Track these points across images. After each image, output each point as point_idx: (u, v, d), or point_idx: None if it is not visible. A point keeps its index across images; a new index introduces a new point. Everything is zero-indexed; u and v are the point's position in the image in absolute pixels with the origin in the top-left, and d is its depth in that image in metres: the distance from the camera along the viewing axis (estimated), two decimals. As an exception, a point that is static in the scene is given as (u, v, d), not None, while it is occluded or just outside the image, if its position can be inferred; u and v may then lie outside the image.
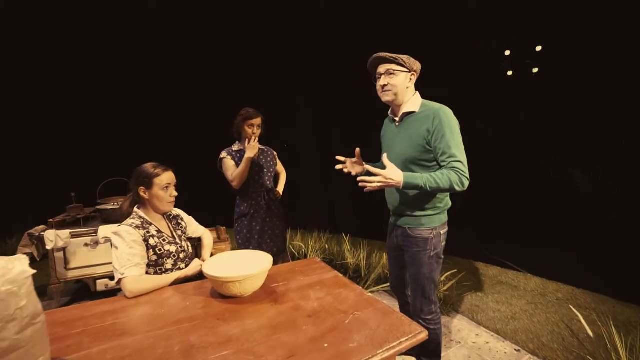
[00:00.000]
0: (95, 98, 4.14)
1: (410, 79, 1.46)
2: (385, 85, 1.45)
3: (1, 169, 3.67)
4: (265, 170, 2.11)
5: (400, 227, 1.56)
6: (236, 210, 2.11)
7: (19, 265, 0.72)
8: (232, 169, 1.98)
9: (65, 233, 2.30)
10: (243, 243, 2.08)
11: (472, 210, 3.63)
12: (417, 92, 1.52)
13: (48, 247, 2.27)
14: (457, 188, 1.31)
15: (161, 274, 1.37)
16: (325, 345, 0.88)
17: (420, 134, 1.40)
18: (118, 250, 1.26)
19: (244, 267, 1.26)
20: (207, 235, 1.75)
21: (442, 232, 1.50)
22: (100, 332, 0.98)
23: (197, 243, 1.82)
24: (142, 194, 1.40)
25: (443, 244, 1.52)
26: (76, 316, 1.08)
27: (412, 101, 1.47)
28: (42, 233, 2.27)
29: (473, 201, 3.22)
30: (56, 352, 0.87)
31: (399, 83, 1.43)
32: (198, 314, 1.07)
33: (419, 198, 1.48)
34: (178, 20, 4.07)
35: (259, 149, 2.13)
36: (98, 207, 2.55)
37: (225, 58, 4.50)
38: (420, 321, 1.55)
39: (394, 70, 1.42)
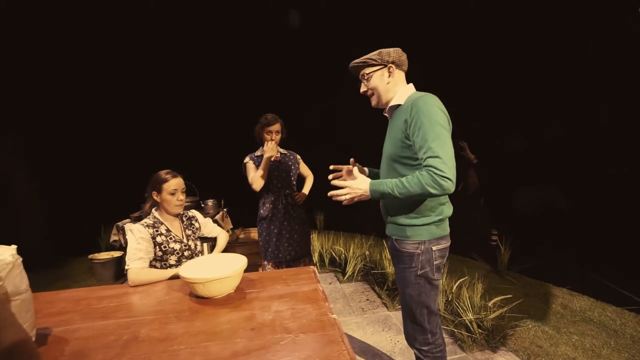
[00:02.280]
0: (154, 107, 4.75)
1: (390, 73, 1.30)
2: (365, 92, 1.35)
3: (98, 173, 4.58)
4: (284, 174, 2.15)
5: (390, 237, 1.39)
6: (258, 213, 2.22)
7: (8, 252, 0.93)
8: (252, 172, 2.09)
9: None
10: (262, 245, 2.18)
11: (575, 222, 3.00)
12: (410, 85, 1.34)
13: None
14: (433, 191, 1.09)
15: (166, 268, 1.55)
16: (241, 363, 0.86)
17: (399, 127, 1.24)
18: (128, 244, 1.48)
19: (220, 269, 1.32)
20: (222, 237, 1.89)
21: (434, 248, 1.27)
22: (90, 313, 1.17)
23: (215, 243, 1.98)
24: (154, 197, 1.61)
25: (436, 262, 1.28)
26: (83, 297, 1.31)
27: (400, 94, 1.31)
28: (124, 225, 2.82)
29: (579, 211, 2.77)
30: (46, 324, 1.08)
31: (376, 83, 1.31)
32: (166, 308, 1.18)
33: (400, 204, 1.29)
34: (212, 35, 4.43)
35: (280, 153, 2.19)
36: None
37: (262, 65, 4.63)
38: (416, 351, 1.36)
39: (367, 74, 1.31)
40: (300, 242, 2.18)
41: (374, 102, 1.37)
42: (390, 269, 2.92)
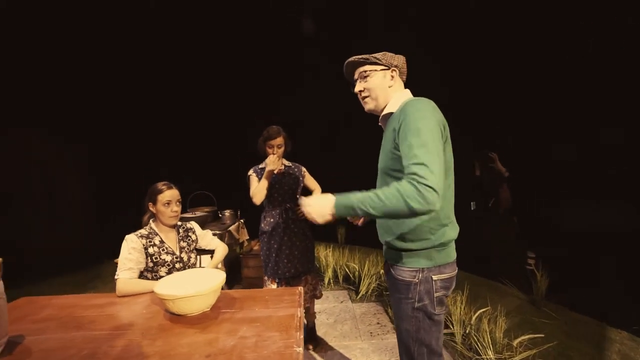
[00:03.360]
0: (179, 120, 4.96)
1: (392, 77, 1.19)
2: (361, 92, 1.22)
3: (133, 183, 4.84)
4: (286, 187, 2.10)
5: (386, 261, 1.25)
6: (259, 226, 2.18)
7: None
8: (254, 185, 2.06)
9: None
10: (263, 260, 2.13)
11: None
12: (406, 91, 1.23)
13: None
14: (415, 205, 0.90)
15: (156, 279, 1.56)
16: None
17: (389, 136, 1.12)
18: (120, 254, 1.51)
19: (196, 286, 1.29)
20: (219, 250, 1.88)
21: (434, 277, 1.10)
22: (69, 322, 1.19)
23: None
24: (150, 208, 1.64)
25: (438, 294, 1.11)
26: (72, 304, 1.35)
27: (394, 101, 1.18)
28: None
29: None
30: (24, 331, 1.11)
31: (377, 84, 1.18)
32: (137, 324, 1.16)
33: (394, 223, 1.15)
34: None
35: (285, 165, 2.14)
36: (180, 215, 3.13)
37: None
38: None
39: (368, 71, 1.19)
40: (301, 258, 2.10)
41: (370, 105, 1.24)
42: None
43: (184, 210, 3.29)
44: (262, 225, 2.13)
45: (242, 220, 3.49)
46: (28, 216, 3.99)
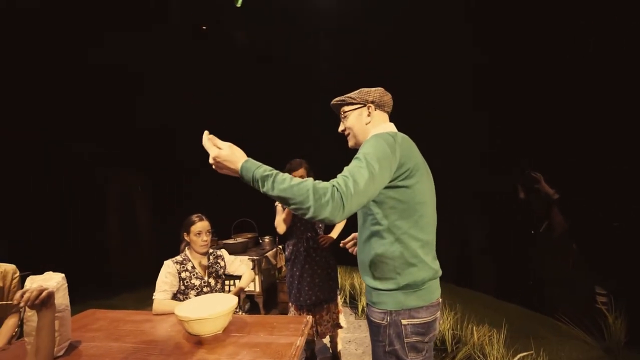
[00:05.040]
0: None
1: (369, 113, 1.22)
2: (343, 131, 1.30)
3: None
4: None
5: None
6: (284, 254, 2.33)
7: (52, 279, 1.27)
8: (279, 215, 2.23)
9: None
10: (288, 287, 2.25)
11: None
12: (388, 124, 1.25)
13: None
14: (311, 201, 0.86)
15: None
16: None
17: None
18: (159, 276, 1.78)
19: (211, 310, 1.46)
20: (245, 276, 2.05)
21: (403, 322, 1.06)
22: (113, 333, 1.46)
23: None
24: (185, 237, 1.91)
25: (410, 340, 1.06)
26: (119, 318, 1.63)
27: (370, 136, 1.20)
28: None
29: None
30: (81, 337, 1.39)
31: (353, 123, 1.24)
32: (161, 340, 1.37)
33: (363, 260, 1.15)
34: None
35: None
36: (224, 241, 3.44)
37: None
38: None
39: (346, 112, 1.26)
40: (323, 287, 2.16)
41: (350, 142, 1.30)
42: (441, 324, 2.55)
43: (228, 237, 3.62)
44: (287, 253, 2.28)
45: (280, 247, 3.68)
46: (113, 240, 4.78)
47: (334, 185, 0.92)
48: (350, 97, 1.25)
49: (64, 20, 3.63)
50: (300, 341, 1.34)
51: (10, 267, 1.69)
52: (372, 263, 1.12)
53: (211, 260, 1.96)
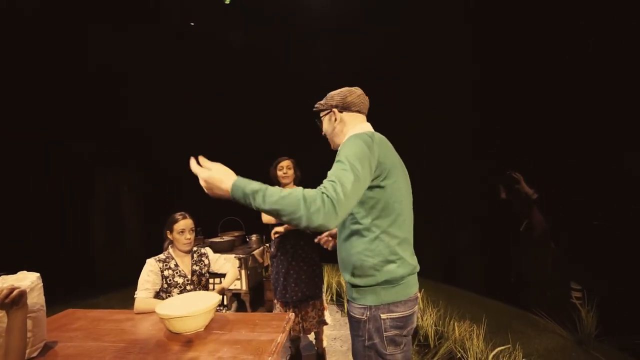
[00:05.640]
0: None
1: (336, 118, 1.26)
2: (325, 135, 1.36)
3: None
4: None
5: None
6: (270, 251, 2.34)
7: (25, 279, 1.25)
8: None
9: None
10: (273, 283, 2.26)
11: None
12: (362, 125, 1.26)
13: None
14: (302, 210, 0.86)
15: (170, 299, 1.78)
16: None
17: None
18: (140, 275, 1.76)
19: (192, 308, 1.46)
20: (229, 274, 2.05)
21: (382, 316, 1.09)
22: (92, 333, 1.44)
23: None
24: (168, 235, 1.90)
25: (389, 334, 1.09)
26: (100, 317, 1.61)
27: (346, 138, 1.22)
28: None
29: None
30: (58, 337, 1.37)
31: (326, 127, 1.32)
32: (141, 339, 1.36)
33: (343, 257, 1.18)
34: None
35: None
36: (210, 239, 3.42)
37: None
38: None
39: (321, 117, 1.33)
40: (309, 283, 2.18)
41: (331, 145, 1.35)
42: (424, 320, 2.61)
43: (215, 235, 3.60)
44: (272, 249, 2.29)
45: (267, 245, 3.68)
46: (101, 241, 4.70)
47: (323, 192, 0.91)
48: (320, 104, 1.32)
49: (63, 20, 3.57)
50: (281, 338, 1.35)
51: None
52: (352, 261, 1.14)
53: (195, 259, 1.96)
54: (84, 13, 3.63)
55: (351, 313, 1.18)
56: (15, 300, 1.03)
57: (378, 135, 1.20)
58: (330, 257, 2.44)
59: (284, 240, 2.22)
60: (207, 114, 4.99)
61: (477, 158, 3.71)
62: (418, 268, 1.22)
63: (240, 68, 4.89)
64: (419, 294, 1.23)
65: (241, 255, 3.09)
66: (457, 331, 2.41)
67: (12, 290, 1.02)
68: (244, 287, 3.15)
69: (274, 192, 0.92)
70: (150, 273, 1.76)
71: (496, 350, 2.08)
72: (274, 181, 2.33)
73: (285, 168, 2.24)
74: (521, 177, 3.08)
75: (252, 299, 3.24)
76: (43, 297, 1.28)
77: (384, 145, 1.16)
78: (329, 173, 1.01)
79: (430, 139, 3.95)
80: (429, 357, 2.33)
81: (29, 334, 1.16)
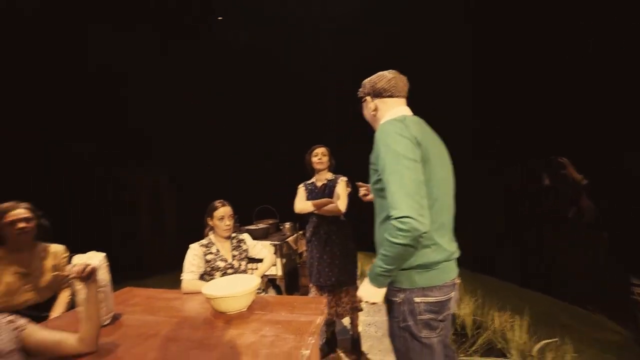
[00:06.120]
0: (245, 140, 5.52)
1: (376, 105, 1.28)
2: None
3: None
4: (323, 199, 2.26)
5: None
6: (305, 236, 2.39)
7: (96, 257, 1.39)
8: (298, 197, 2.34)
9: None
10: (308, 268, 2.31)
11: None
12: (396, 109, 1.25)
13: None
14: (400, 240, 0.99)
15: (213, 281, 1.89)
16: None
17: (371, 156, 1.21)
18: (185, 259, 1.89)
19: (232, 289, 1.53)
20: (267, 259, 2.14)
21: (416, 300, 1.10)
22: (147, 308, 1.58)
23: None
24: (208, 222, 2.00)
25: (423, 317, 1.10)
26: (152, 296, 1.76)
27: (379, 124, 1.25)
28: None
29: None
30: (122, 310, 1.53)
31: (365, 114, 1.35)
32: (190, 316, 1.47)
33: (379, 230, 1.21)
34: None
35: (327, 180, 2.32)
36: (245, 227, 3.55)
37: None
38: None
39: (361, 104, 1.36)
40: (342, 269, 2.21)
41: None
42: (461, 309, 2.55)
43: (249, 223, 3.73)
44: (307, 235, 2.34)
45: (300, 232, 3.76)
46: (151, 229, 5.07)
47: (389, 220, 1.02)
48: (358, 92, 1.35)
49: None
50: (320, 320, 1.40)
51: (60, 247, 1.87)
52: (381, 236, 1.16)
53: (234, 244, 2.05)
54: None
55: (387, 295, 1.19)
56: (90, 274, 1.16)
57: (411, 118, 1.18)
58: (364, 244, 2.46)
59: (318, 226, 2.25)
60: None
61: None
62: (457, 254, 1.20)
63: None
64: (457, 281, 1.21)
65: (276, 242, 3.19)
66: (497, 321, 2.34)
67: (86, 265, 1.15)
68: (279, 273, 3.26)
69: (382, 257, 1.07)
70: (194, 257, 1.87)
71: (542, 343, 2.00)
72: (308, 167, 2.36)
73: (320, 154, 2.27)
74: (568, 162, 2.86)
75: (287, 285, 3.34)
76: (109, 275, 1.43)
77: (418, 128, 1.14)
78: (387, 195, 1.04)
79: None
80: (466, 346, 2.28)
81: (101, 305, 1.30)
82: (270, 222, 3.73)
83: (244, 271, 2.03)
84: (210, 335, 1.28)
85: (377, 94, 1.26)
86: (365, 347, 2.42)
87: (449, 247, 1.16)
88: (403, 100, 1.29)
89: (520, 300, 3.00)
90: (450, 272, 1.16)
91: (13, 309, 1.57)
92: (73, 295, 1.33)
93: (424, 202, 1.01)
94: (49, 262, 1.79)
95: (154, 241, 5.06)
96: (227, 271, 1.92)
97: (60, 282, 1.83)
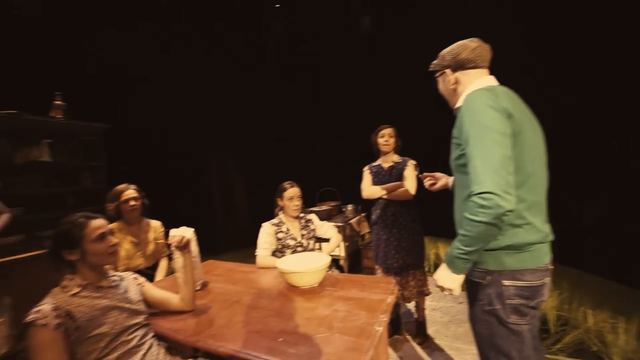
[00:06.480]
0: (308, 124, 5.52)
1: (457, 78, 1.17)
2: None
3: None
4: (393, 182, 2.20)
5: None
6: (370, 217, 2.37)
7: (188, 231, 1.57)
8: (365, 181, 2.30)
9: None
10: (374, 250, 2.31)
11: None
12: (482, 79, 1.14)
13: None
14: (481, 218, 0.91)
15: (284, 257, 2.01)
16: (280, 339, 1.11)
17: (453, 130, 1.12)
18: (259, 236, 2.03)
19: (306, 266, 1.61)
20: (333, 238, 2.19)
21: (505, 283, 1.01)
22: (229, 279, 1.76)
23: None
24: (279, 202, 2.11)
25: (512, 302, 1.01)
26: (232, 268, 1.95)
27: (462, 96, 1.14)
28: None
29: None
30: (209, 278, 1.73)
31: (442, 89, 1.25)
32: (266, 287, 1.59)
33: (462, 207, 1.12)
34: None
35: (394, 162, 2.26)
36: (309, 209, 3.65)
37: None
38: None
39: (436, 77, 1.25)
40: (410, 251, 2.16)
41: (449, 105, 1.28)
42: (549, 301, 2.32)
43: (312, 204, 3.85)
44: (373, 216, 2.32)
45: (363, 214, 3.76)
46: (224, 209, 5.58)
47: (470, 198, 0.95)
48: (433, 65, 1.25)
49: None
50: (390, 299, 1.39)
51: (157, 223, 2.18)
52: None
53: (302, 223, 2.14)
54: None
55: (470, 276, 1.12)
56: (186, 245, 1.33)
57: (501, 88, 1.06)
58: (429, 229, 2.36)
59: (384, 209, 2.22)
60: (272, 98, 5.19)
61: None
62: (551, 237, 1.08)
63: (304, 50, 4.85)
64: (550, 266, 1.09)
65: (339, 224, 3.25)
66: (590, 320, 2.07)
67: (183, 237, 1.32)
68: (343, 253, 3.33)
69: (462, 238, 0.99)
70: (266, 235, 2.01)
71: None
72: (374, 148, 2.31)
73: (387, 136, 2.21)
74: None
75: (350, 265, 3.41)
76: (197, 247, 1.61)
77: (509, 98, 1.02)
78: (470, 170, 0.96)
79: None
80: (549, 343, 2.08)
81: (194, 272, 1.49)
82: (333, 204, 3.80)
83: (312, 250, 2.12)
84: (286, 306, 1.37)
85: (460, 65, 1.16)
86: (430, 331, 2.36)
87: (543, 227, 1.04)
88: (487, 71, 1.18)
89: (619, 299, 2.60)
90: (545, 256, 1.05)
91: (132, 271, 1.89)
92: (170, 263, 1.54)
93: (510, 178, 0.91)
94: (151, 235, 2.09)
95: (227, 220, 5.55)
96: (297, 249, 2.02)
97: (161, 251, 2.14)
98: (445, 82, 1.21)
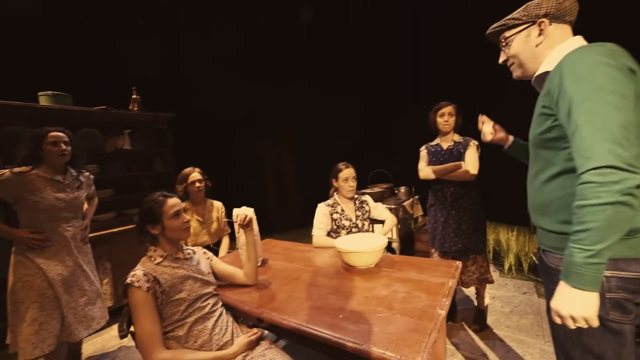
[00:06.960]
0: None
1: (541, 31, 0.96)
2: (506, 62, 1.08)
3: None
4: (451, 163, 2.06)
5: (539, 247, 1.05)
6: (427, 199, 2.26)
7: (249, 210, 1.67)
8: (422, 161, 2.16)
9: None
10: (431, 233, 2.21)
11: None
12: (573, 39, 0.94)
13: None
14: (607, 198, 0.70)
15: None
16: (340, 316, 1.14)
17: (540, 100, 0.93)
18: (315, 217, 2.07)
19: (363, 246, 1.61)
20: (388, 221, 2.15)
21: (607, 273, 0.83)
22: (287, 256, 1.84)
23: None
24: (334, 183, 2.11)
25: (613, 295, 0.83)
26: (289, 247, 2.03)
27: (552, 56, 0.95)
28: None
29: None
30: (268, 255, 1.83)
31: (519, 49, 1.01)
32: (324, 266, 1.64)
33: (543, 189, 0.95)
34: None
35: (454, 141, 2.10)
36: (361, 191, 3.63)
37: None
38: None
39: (508, 37, 1.03)
40: (470, 235, 2.03)
41: (517, 73, 1.07)
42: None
43: (364, 187, 3.81)
44: (430, 199, 2.21)
45: (416, 197, 3.63)
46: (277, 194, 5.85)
47: (582, 177, 0.75)
48: (513, 19, 1.01)
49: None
50: (452, 283, 1.34)
51: (219, 203, 2.34)
52: (562, 204, 0.91)
53: (357, 205, 2.13)
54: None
55: (552, 265, 0.96)
56: (248, 223, 1.41)
57: (610, 44, 0.84)
58: (488, 213, 2.17)
59: (443, 190, 2.10)
60: (325, 82, 5.09)
61: None
62: None
63: (357, 33, 4.63)
64: None
65: (392, 206, 3.18)
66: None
67: (246, 215, 1.40)
68: (394, 236, 3.27)
69: (581, 236, 0.76)
70: (322, 215, 2.04)
71: None
72: (432, 127, 2.17)
73: (447, 115, 2.04)
74: None
75: (402, 248, 3.34)
76: (257, 226, 1.70)
77: (628, 55, 0.82)
78: (578, 142, 0.77)
79: None
80: None
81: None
82: (385, 186, 3.72)
83: (367, 231, 2.11)
84: (345, 285, 1.39)
85: (560, 15, 0.94)
86: (489, 321, 2.24)
87: None
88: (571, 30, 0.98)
89: None
90: None
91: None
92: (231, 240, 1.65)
93: (634, 150, 0.72)
94: (214, 214, 2.27)
95: (281, 202, 5.79)
96: (352, 230, 2.03)
97: (223, 230, 2.31)
98: (530, 38, 0.99)
